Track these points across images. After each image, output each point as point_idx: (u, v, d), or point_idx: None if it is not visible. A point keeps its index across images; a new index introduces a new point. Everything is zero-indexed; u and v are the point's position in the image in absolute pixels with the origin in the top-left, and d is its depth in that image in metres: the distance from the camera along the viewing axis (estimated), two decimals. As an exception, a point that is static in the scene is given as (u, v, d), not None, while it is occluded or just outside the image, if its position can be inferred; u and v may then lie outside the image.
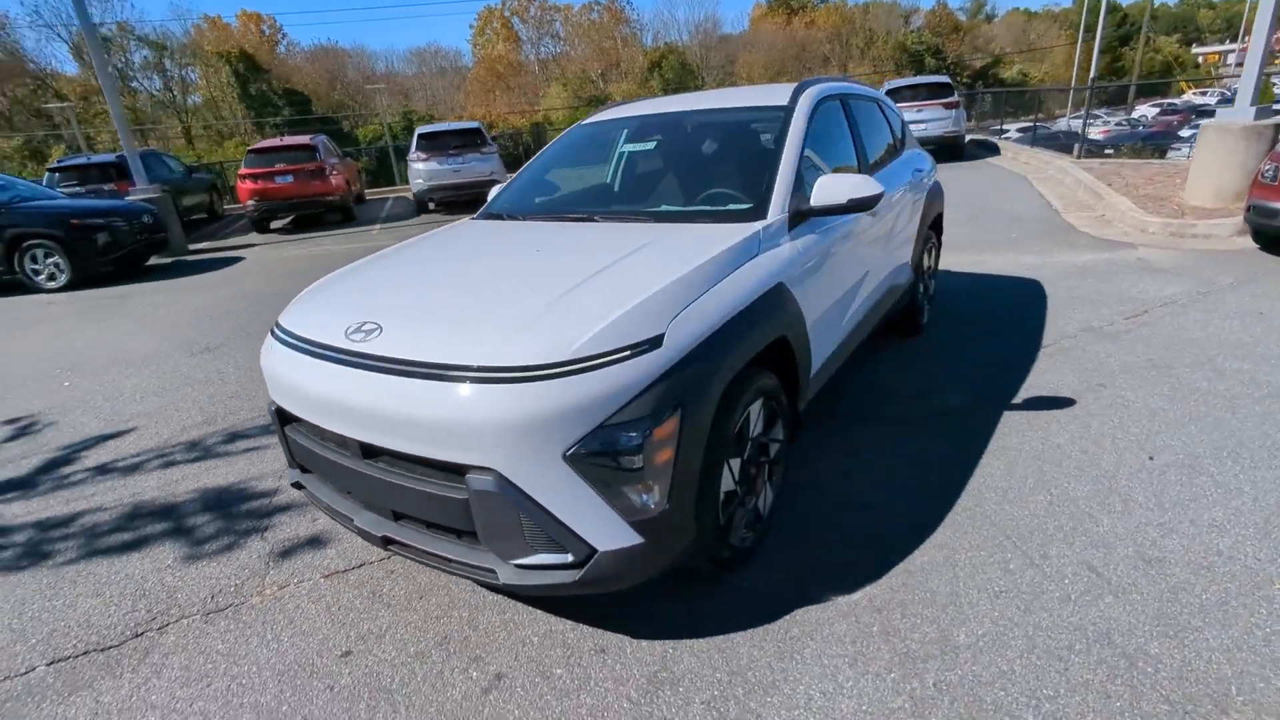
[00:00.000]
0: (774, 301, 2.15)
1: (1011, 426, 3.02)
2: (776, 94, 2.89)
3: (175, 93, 44.61)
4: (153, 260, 9.64)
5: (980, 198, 9.00)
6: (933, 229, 4.18)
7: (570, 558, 1.72)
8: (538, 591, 1.78)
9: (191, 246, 10.72)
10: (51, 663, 2.07)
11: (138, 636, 2.16)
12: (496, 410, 1.62)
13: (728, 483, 2.04)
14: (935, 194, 4.09)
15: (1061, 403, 3.21)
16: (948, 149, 12.69)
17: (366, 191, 16.72)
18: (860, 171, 3.16)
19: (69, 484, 3.23)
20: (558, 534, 1.70)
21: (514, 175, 3.37)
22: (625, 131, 3.21)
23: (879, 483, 2.67)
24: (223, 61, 40.49)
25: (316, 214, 12.25)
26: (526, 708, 1.78)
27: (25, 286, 8.09)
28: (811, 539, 2.37)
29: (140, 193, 9.78)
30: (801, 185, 2.50)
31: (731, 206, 2.50)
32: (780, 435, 2.35)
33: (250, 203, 11.26)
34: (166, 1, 68.20)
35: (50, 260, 8.05)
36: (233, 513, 2.85)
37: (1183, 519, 2.30)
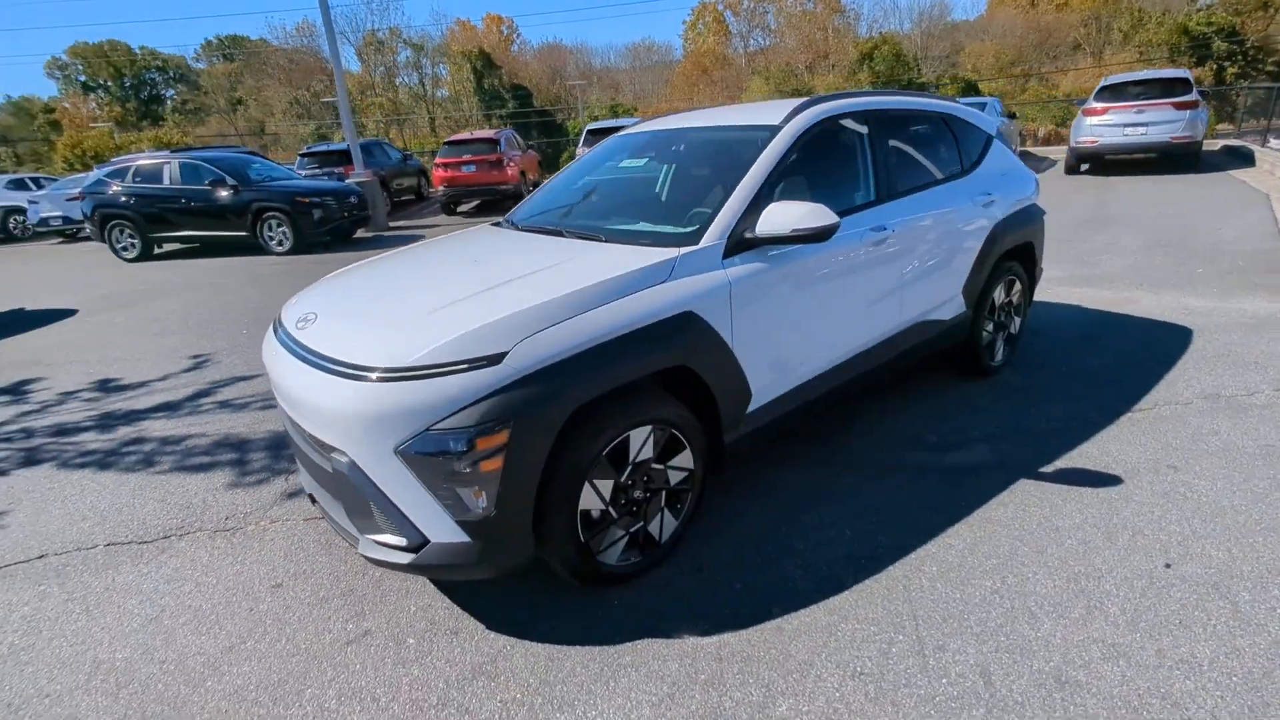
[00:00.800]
0: (675, 329, 2.13)
1: (1016, 497, 2.62)
2: (771, 113, 2.77)
3: (427, 87, 51.53)
4: (359, 234, 11.47)
5: (1181, 221, 7.44)
6: (1015, 259, 3.66)
7: (405, 542, 1.92)
8: (383, 566, 2.01)
9: (392, 224, 12.55)
10: (108, 545, 2.76)
11: (165, 539, 2.77)
12: (347, 402, 1.86)
13: (595, 503, 2.09)
14: (1017, 221, 3.57)
15: (1102, 480, 2.70)
16: (1178, 158, 10.55)
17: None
18: (879, 199, 2.91)
19: (198, 411, 4.13)
20: (395, 518, 1.91)
21: (546, 181, 3.59)
22: (630, 147, 3.27)
23: (817, 531, 2.50)
24: (465, 60, 45.91)
25: (495, 200, 13.61)
26: (369, 665, 2.02)
27: (260, 249, 10.12)
28: (707, 574, 2.31)
29: (356, 177, 11.66)
30: (758, 211, 2.40)
31: (667, 229, 2.48)
32: (689, 465, 2.32)
33: (440, 188, 12.86)
34: (429, 6, 78.58)
35: (280, 229, 9.96)
36: (281, 454, 3.46)
37: (1149, 646, 1.88)
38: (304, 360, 2.07)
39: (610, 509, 2.14)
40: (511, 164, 12.94)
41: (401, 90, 52.08)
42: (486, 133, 13.47)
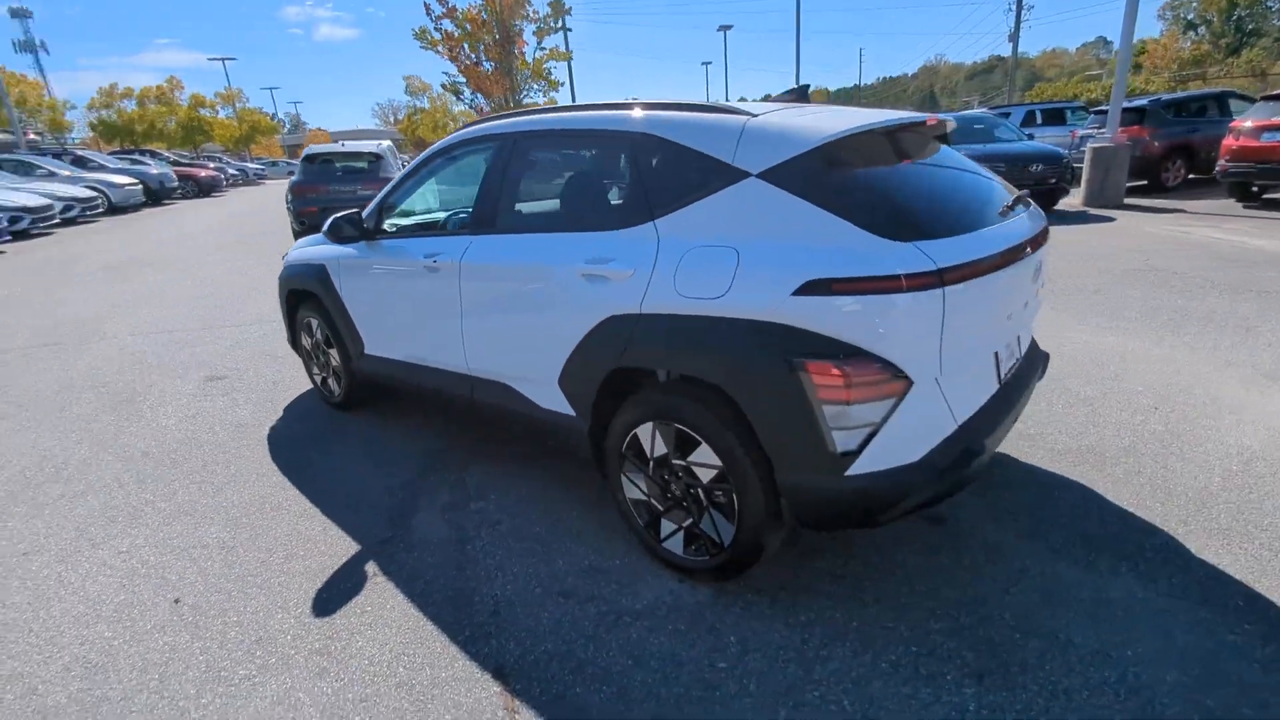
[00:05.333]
0: (314, 272, 3.62)
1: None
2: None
3: None
4: (1060, 205, 10.01)
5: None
6: (698, 399, 1.96)
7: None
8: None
9: (1129, 201, 10.13)
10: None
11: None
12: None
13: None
14: (680, 330, 1.91)
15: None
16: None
17: None
18: (474, 228, 2.72)
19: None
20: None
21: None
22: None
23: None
24: None
25: None
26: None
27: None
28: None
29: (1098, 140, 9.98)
30: (383, 212, 3.22)
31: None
32: (336, 361, 3.70)
33: (1223, 160, 9.12)
34: None
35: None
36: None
37: None
38: None
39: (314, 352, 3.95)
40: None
41: None
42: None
